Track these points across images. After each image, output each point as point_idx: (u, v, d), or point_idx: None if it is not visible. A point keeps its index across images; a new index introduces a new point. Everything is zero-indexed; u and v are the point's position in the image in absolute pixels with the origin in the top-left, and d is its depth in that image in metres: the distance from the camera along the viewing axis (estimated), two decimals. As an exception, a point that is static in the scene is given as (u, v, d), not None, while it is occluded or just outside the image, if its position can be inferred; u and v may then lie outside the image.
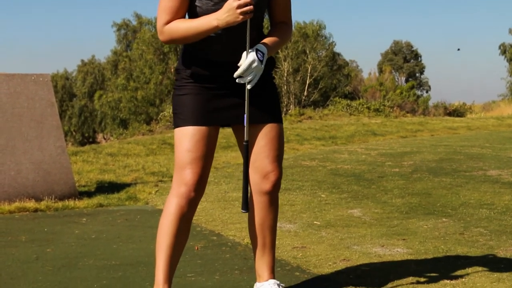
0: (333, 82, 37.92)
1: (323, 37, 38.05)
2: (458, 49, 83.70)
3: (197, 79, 2.94)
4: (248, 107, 2.86)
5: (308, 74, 35.21)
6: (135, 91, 40.85)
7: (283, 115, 3.55)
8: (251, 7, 2.70)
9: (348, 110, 21.81)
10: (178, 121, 2.95)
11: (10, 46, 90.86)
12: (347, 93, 36.76)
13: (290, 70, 34.58)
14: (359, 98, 29.42)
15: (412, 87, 41.78)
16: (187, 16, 2.90)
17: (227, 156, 10.25)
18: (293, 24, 3.14)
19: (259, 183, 3.00)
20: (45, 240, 4.59)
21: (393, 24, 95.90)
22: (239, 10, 2.70)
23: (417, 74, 58.18)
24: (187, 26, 2.80)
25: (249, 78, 2.78)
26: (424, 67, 58.55)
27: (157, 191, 6.86)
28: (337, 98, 28.01)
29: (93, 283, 3.48)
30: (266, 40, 2.88)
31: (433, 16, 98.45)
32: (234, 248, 4.30)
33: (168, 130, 16.15)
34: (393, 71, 51.53)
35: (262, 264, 3.09)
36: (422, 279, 3.46)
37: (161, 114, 22.29)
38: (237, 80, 2.81)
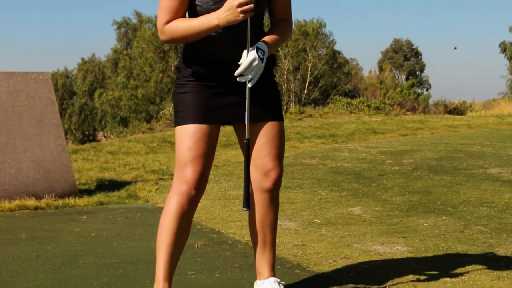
0: (334, 80, 37.91)
1: (324, 35, 38.03)
2: (455, 48, 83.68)
3: (198, 78, 2.94)
4: (249, 105, 2.86)
5: (309, 72, 35.19)
6: (135, 89, 40.85)
7: (283, 113, 3.55)
8: (252, 5, 2.70)
9: (349, 108, 21.81)
10: (179, 119, 2.95)
11: (10, 44, 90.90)
12: (347, 91, 36.75)
13: (291, 68, 34.56)
14: (359, 96, 29.43)
15: (412, 85, 41.75)
16: (187, 15, 2.90)
17: (227, 154, 10.25)
18: (293, 22, 3.14)
19: (259, 181, 3.00)
20: (46, 238, 4.59)
21: (393, 22, 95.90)
22: (239, 9, 2.70)
23: (417, 72, 58.18)
24: (187, 25, 2.80)
25: (250, 76, 2.78)
26: (424, 65, 58.57)
27: (157, 189, 6.86)
28: (338, 96, 28.01)
29: (93, 281, 3.48)
30: (266, 38, 2.88)
31: (434, 14, 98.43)
32: (234, 246, 4.31)
33: (168, 128, 16.16)
34: (393, 69, 51.50)
35: (262, 262, 3.09)
36: (422, 277, 3.46)
37: (161, 112, 22.29)
38: (238, 79, 2.81)
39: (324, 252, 4.09)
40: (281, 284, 3.07)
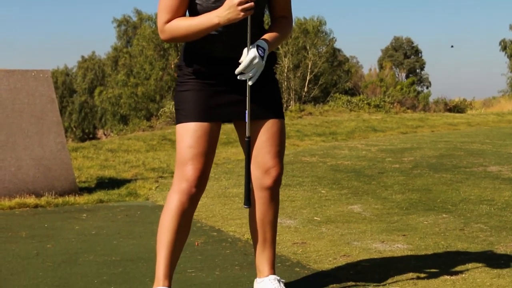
0: (334, 78, 37.92)
1: (324, 33, 38.03)
2: (452, 46, 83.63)
3: (199, 76, 2.94)
4: (250, 103, 2.86)
5: (309, 70, 35.20)
6: (135, 87, 40.85)
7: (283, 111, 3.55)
8: (252, 3, 2.70)
9: (349, 106, 21.79)
10: (180, 117, 2.95)
11: (10, 42, 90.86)
12: (347, 89, 36.75)
13: (291, 66, 34.57)
14: (359, 94, 29.40)
15: (412, 83, 41.76)
16: (187, 14, 2.90)
17: (227, 152, 10.25)
18: (293, 20, 3.14)
19: (260, 179, 3.00)
20: (46, 236, 4.59)
21: (393, 20, 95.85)
22: (240, 7, 2.69)
23: (417, 70, 58.19)
24: (188, 24, 2.80)
25: (250, 74, 2.78)
26: (424, 63, 58.59)
27: (157, 187, 6.86)
28: (338, 94, 27.98)
29: (93, 279, 3.48)
30: (266, 36, 2.87)
31: (434, 12, 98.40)
32: (234, 243, 4.31)
33: (168, 126, 16.15)
34: (393, 67, 51.51)
35: (262, 260, 3.09)
36: (422, 275, 3.46)
37: (161, 110, 22.26)
38: (238, 77, 2.81)
39: (324, 250, 4.09)
40: (281, 282, 3.07)
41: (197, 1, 2.82)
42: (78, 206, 5.83)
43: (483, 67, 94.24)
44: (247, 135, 2.89)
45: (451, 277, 3.41)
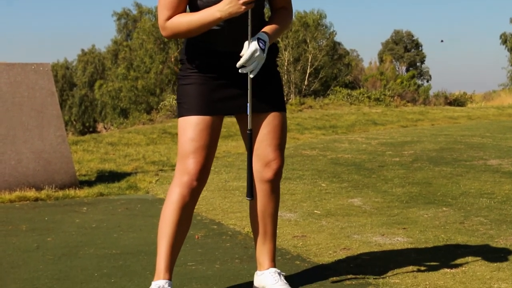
0: (334, 72, 37.87)
1: (324, 27, 37.97)
2: (442, 41, 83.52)
3: (201, 69, 2.93)
4: (251, 96, 2.85)
5: (309, 64, 35.16)
6: (136, 81, 40.81)
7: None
8: (253, -3, 2.69)
9: (349, 99, 21.78)
10: (182, 111, 2.95)
11: (10, 35, 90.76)
12: (347, 83, 36.72)
13: (291, 59, 34.53)
14: (359, 88, 29.39)
15: (412, 77, 41.72)
16: (188, 10, 2.89)
17: (228, 145, 10.25)
18: (293, 13, 3.13)
19: (261, 171, 3.00)
20: (46, 229, 4.60)
21: (393, 13, 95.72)
22: (241, 1, 2.69)
23: (417, 64, 58.14)
24: (189, 20, 2.79)
25: (251, 67, 2.78)
26: (424, 57, 58.54)
27: (157, 180, 6.86)
28: (338, 87, 27.98)
29: (93, 272, 3.48)
30: (266, 28, 2.87)
31: (434, 5, 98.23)
32: (235, 237, 4.31)
33: (168, 120, 16.15)
34: (393, 60, 51.46)
35: (263, 252, 3.10)
36: (422, 268, 3.46)
37: (161, 103, 22.25)
38: (239, 70, 2.80)
39: (324, 243, 4.09)
40: (281, 275, 3.08)
41: (197, -3, 2.81)
42: (78, 200, 5.84)
43: (483, 60, 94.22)
44: (249, 128, 2.89)
45: (451, 270, 3.41)
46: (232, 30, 2.84)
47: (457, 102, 26.72)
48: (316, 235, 4.31)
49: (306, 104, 19.87)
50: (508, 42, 51.64)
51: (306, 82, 35.31)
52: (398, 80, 36.80)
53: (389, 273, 3.39)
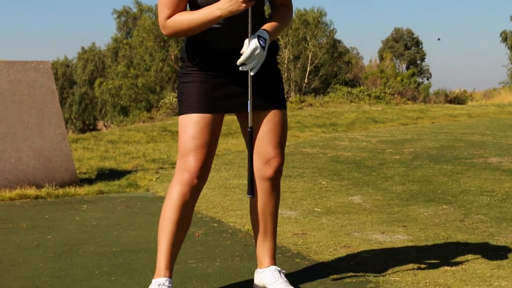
0: (334, 69, 37.88)
1: (324, 24, 37.98)
2: (439, 39, 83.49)
3: (201, 67, 2.93)
4: (252, 94, 2.85)
5: (309, 61, 35.17)
6: (136, 78, 40.81)
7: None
8: (253, -5, 2.69)
9: (349, 97, 21.78)
10: (183, 108, 2.94)
11: (10, 33, 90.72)
12: (347, 80, 36.73)
13: (291, 57, 34.53)
14: (359, 85, 29.39)
15: (413, 75, 41.71)
16: (188, 9, 2.89)
17: (228, 143, 10.25)
18: (293, 11, 3.12)
19: (261, 169, 3.00)
20: (46, 227, 4.60)
21: (394, 11, 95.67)
22: (241, -1, 2.69)
23: (418, 61, 58.12)
24: (189, 18, 2.79)
25: (251, 65, 2.77)
26: (425, 54, 58.51)
27: (157, 178, 6.86)
28: (338, 85, 27.97)
29: (94, 270, 3.48)
30: (267, 26, 2.87)
31: (434, 3, 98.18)
32: (235, 234, 4.31)
33: (168, 117, 16.15)
34: (394, 58, 51.45)
35: (263, 250, 3.10)
36: (422, 266, 3.46)
37: (161, 101, 22.24)
38: (240, 68, 2.80)
39: (325, 241, 4.09)
40: (281, 273, 3.08)
41: (197, -5, 2.81)
42: (79, 197, 5.84)
43: (483, 58, 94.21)
44: (249, 125, 2.89)
45: (451, 268, 3.42)
46: (233, 28, 2.84)
47: (457, 100, 26.71)
48: (316, 233, 4.31)
49: (306, 102, 19.87)
50: (508, 40, 51.63)
51: (306, 80, 35.32)
52: (398, 78, 36.82)
53: (389, 271, 3.39)
